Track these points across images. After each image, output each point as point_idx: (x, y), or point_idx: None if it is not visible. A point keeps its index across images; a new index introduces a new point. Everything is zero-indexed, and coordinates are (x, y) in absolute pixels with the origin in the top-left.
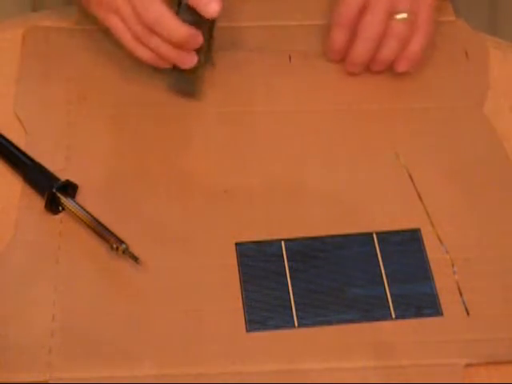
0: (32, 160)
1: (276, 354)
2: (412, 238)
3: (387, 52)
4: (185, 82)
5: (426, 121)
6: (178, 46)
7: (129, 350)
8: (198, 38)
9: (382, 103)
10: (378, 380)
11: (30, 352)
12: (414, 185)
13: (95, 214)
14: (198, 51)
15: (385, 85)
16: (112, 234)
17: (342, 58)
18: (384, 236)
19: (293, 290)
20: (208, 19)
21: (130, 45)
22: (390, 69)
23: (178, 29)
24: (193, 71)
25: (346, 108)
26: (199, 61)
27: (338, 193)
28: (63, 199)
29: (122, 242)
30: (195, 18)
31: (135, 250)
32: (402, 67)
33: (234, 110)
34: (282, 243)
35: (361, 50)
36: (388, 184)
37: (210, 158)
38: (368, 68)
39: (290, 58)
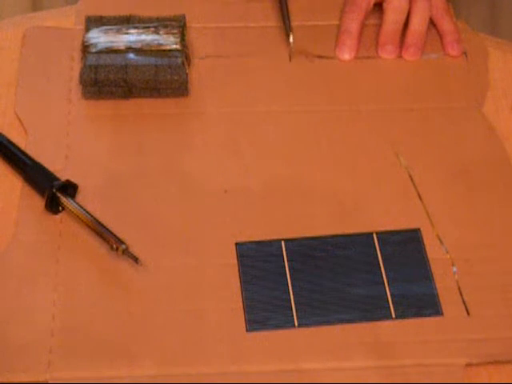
0: (32, 160)
1: (276, 354)
2: (412, 238)
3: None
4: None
5: (425, 121)
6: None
7: (129, 350)
8: None
9: (382, 103)
10: (378, 380)
11: (30, 352)
12: (414, 185)
13: (95, 214)
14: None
15: (385, 85)
16: (112, 234)
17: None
18: (384, 236)
19: (293, 289)
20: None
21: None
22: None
23: None
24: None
25: (346, 108)
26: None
27: (338, 193)
28: (63, 199)
29: (122, 242)
30: None
31: (135, 250)
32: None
33: (233, 110)
34: (282, 243)
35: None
36: (388, 184)
37: (210, 158)
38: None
39: (289, 58)
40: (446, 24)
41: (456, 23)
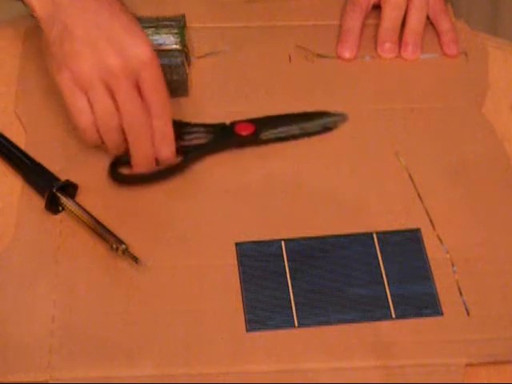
0: (32, 160)
1: (276, 354)
2: (412, 238)
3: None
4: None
5: (426, 121)
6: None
7: (129, 350)
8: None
9: (382, 103)
10: (378, 380)
11: (30, 352)
12: (413, 185)
13: (95, 214)
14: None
15: (385, 85)
16: (112, 234)
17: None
18: (384, 236)
19: (293, 290)
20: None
21: (87, 129)
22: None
23: (149, 151)
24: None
25: (347, 108)
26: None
27: (338, 193)
28: (63, 199)
29: (121, 242)
30: None
31: (135, 250)
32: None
33: (234, 110)
34: (282, 243)
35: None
36: (388, 184)
37: (209, 158)
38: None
39: (289, 58)
40: (443, 24)
41: (454, 23)
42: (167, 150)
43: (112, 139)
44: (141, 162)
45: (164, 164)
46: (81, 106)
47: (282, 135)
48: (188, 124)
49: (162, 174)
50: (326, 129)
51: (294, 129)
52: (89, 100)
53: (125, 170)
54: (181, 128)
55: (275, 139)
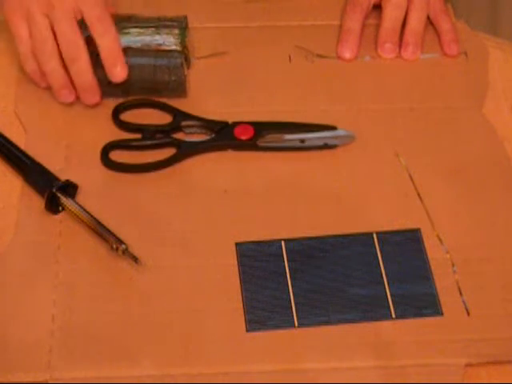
0: (32, 160)
1: (276, 354)
2: (412, 238)
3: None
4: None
5: (426, 121)
6: (77, 85)
7: (129, 350)
8: (95, 98)
9: (382, 103)
10: (378, 380)
11: (30, 352)
12: (413, 185)
13: (95, 214)
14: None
15: (385, 85)
16: (112, 234)
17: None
18: (384, 236)
19: (293, 290)
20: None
21: (24, 56)
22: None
23: (88, 74)
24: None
25: (347, 108)
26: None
27: (338, 193)
28: (63, 199)
29: (121, 242)
30: None
31: (135, 250)
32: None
33: (233, 110)
34: (282, 243)
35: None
36: (388, 184)
37: (210, 158)
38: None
39: (289, 58)
40: (443, 24)
41: (454, 23)
42: (119, 68)
43: (50, 66)
44: (83, 90)
45: (117, 79)
46: (21, 33)
47: (280, 145)
48: (189, 116)
49: (155, 164)
50: (328, 146)
51: (295, 141)
52: (30, 29)
53: (117, 158)
54: (182, 119)
55: (273, 148)
